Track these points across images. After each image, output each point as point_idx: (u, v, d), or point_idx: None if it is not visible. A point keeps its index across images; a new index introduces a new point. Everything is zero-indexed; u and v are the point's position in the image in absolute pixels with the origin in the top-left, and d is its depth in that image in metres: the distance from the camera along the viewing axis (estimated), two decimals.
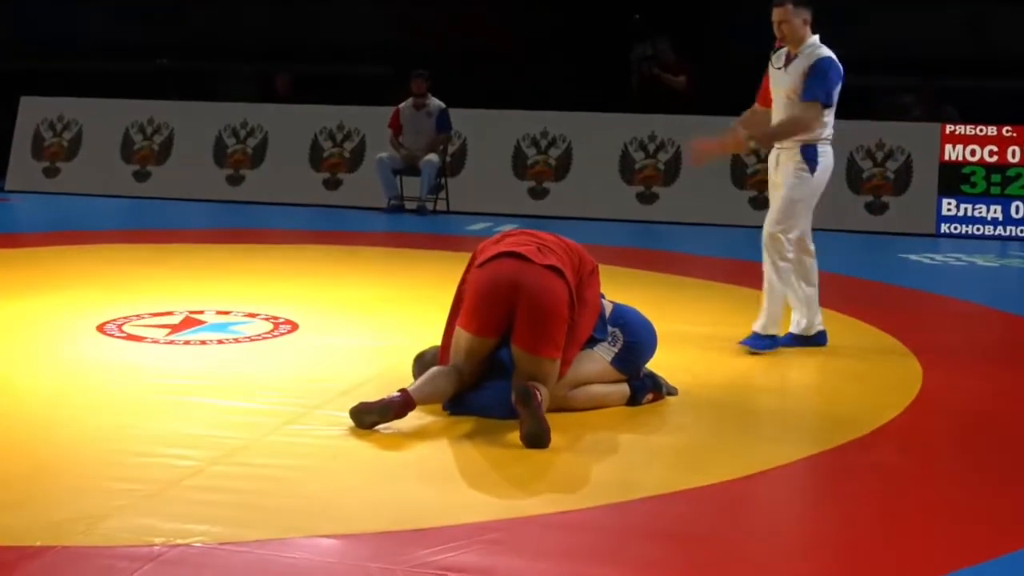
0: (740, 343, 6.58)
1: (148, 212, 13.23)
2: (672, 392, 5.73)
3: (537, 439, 4.91)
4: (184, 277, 8.67)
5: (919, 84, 13.54)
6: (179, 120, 14.53)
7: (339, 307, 7.68)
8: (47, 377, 5.94)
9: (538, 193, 13.22)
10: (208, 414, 5.29)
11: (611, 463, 4.96)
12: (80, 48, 16.64)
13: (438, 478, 4.65)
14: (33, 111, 14.94)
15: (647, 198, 12.97)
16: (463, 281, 5.49)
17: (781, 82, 6.60)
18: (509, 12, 15.98)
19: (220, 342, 6.66)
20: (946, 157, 12.23)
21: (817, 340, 6.77)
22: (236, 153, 14.22)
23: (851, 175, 12.41)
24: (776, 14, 6.53)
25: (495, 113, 13.75)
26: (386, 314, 7.53)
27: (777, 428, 5.39)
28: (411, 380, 5.40)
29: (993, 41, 14.33)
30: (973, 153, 12.13)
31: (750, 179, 12.38)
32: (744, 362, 6.52)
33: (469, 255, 5.60)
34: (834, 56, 6.55)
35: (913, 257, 10.57)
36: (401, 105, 13.23)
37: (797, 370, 6.49)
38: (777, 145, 6.68)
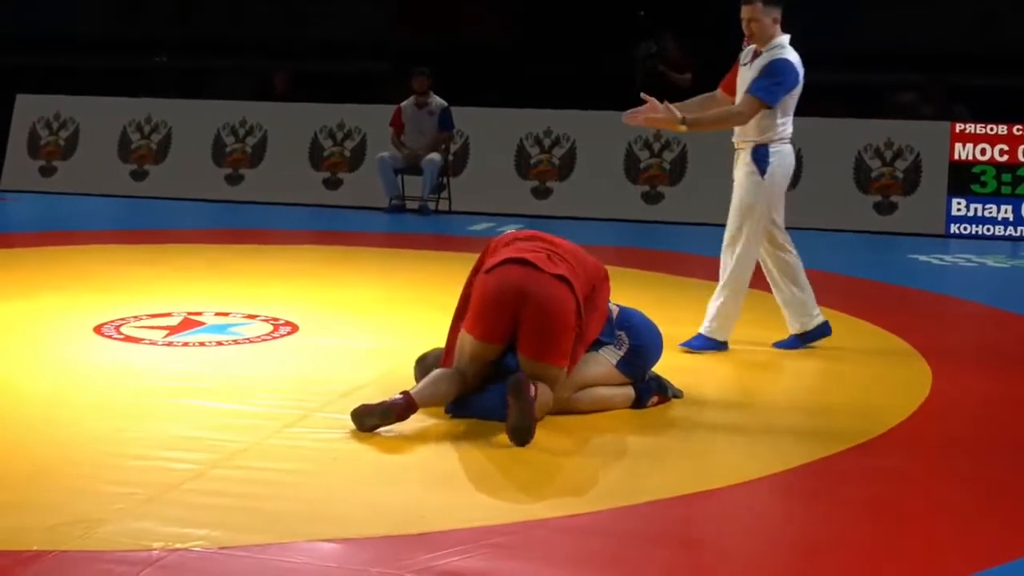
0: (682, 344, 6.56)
1: (146, 212, 13.21)
2: (677, 395, 5.71)
3: (520, 433, 4.89)
4: (182, 278, 8.64)
5: (929, 81, 13.46)
6: (177, 118, 14.48)
7: (339, 308, 7.64)
8: (44, 379, 5.90)
9: (541, 193, 13.16)
10: (207, 417, 5.25)
11: (617, 466, 4.92)
12: (77, 45, 16.60)
13: (441, 481, 4.62)
14: (29, 109, 14.89)
15: (652, 198, 12.92)
16: (469, 284, 5.44)
17: (745, 78, 6.58)
18: (512, 9, 15.95)
19: (219, 344, 6.62)
20: (956, 156, 12.16)
21: (817, 334, 6.73)
22: (235, 152, 14.17)
23: (859, 174, 12.35)
24: (745, 11, 6.50)
25: (498, 112, 13.71)
26: (387, 316, 7.49)
27: (784, 431, 5.35)
28: (412, 382, 5.37)
29: (1005, 37, 14.26)
30: (983, 152, 12.06)
31: None
32: (750, 365, 6.51)
33: (472, 256, 5.58)
34: (795, 60, 6.51)
35: (922, 258, 10.52)
36: (403, 103, 13.18)
37: (804, 372, 6.45)
38: (736, 144, 6.67)
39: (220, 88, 15.62)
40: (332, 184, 13.81)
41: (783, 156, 6.61)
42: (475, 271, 5.46)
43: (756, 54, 6.56)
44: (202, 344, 6.58)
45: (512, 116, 13.60)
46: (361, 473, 4.63)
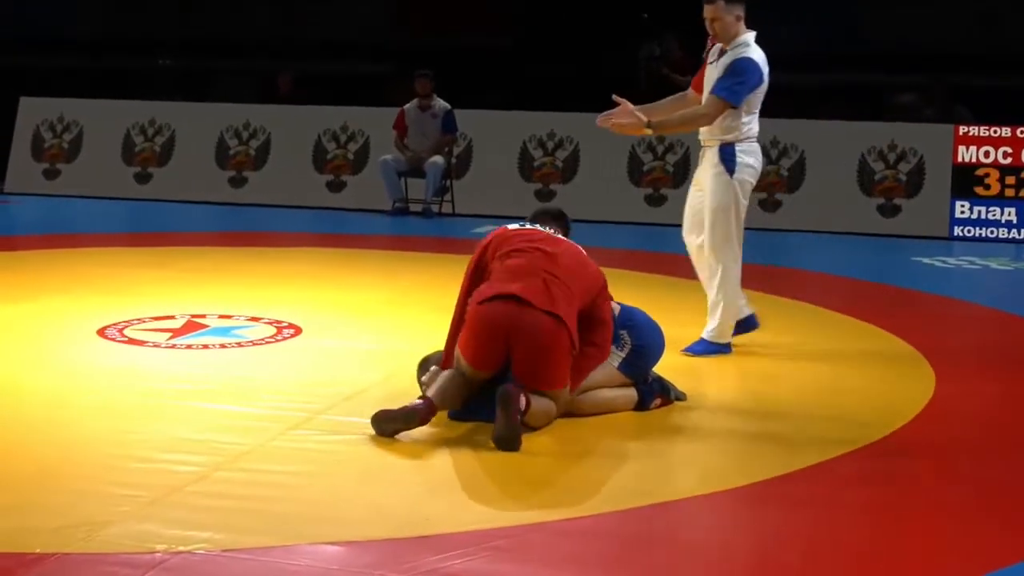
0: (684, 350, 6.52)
1: (149, 214, 13.21)
2: (680, 397, 5.68)
3: (505, 442, 4.88)
4: (186, 280, 8.63)
5: (929, 82, 13.43)
6: (181, 121, 14.46)
7: (343, 311, 7.64)
8: (48, 381, 5.89)
9: (545, 195, 13.14)
10: (210, 419, 5.24)
11: (619, 469, 4.91)
12: (80, 47, 16.60)
13: (443, 484, 4.62)
14: (33, 112, 14.87)
15: (655, 200, 12.90)
16: (464, 290, 5.40)
17: (711, 77, 6.57)
18: (513, 10, 15.93)
19: (222, 346, 6.61)
20: (959, 159, 12.13)
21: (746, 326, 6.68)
22: (239, 155, 14.16)
23: (863, 177, 12.32)
24: (707, 11, 6.51)
25: (501, 114, 13.70)
26: (390, 318, 7.49)
27: (787, 434, 5.33)
28: (415, 384, 5.34)
29: (1006, 37, 14.23)
30: (987, 154, 12.04)
31: (760, 181, 12.27)
32: (754, 367, 6.49)
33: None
34: (759, 58, 6.49)
35: (926, 260, 10.50)
36: (406, 106, 13.17)
37: (807, 375, 6.42)
38: (703, 141, 6.65)
39: (223, 90, 15.60)
40: (335, 187, 13.80)
41: (752, 158, 6.60)
42: (471, 273, 5.42)
43: (722, 52, 6.54)
44: (206, 346, 6.58)
45: (515, 118, 13.58)
46: (364, 476, 4.62)
